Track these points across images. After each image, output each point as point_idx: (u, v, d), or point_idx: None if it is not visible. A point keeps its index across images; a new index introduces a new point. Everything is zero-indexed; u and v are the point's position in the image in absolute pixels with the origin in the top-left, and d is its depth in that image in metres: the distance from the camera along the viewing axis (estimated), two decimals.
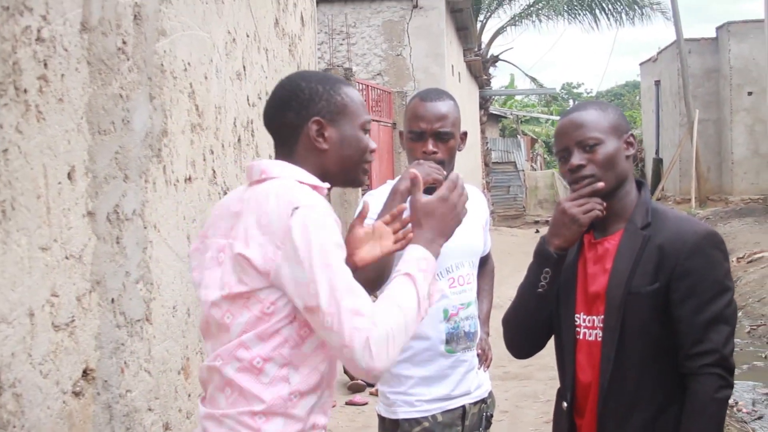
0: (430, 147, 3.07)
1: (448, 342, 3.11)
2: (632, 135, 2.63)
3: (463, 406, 3.16)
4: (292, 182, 2.21)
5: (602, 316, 2.55)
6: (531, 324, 2.74)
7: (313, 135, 2.29)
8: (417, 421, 3.09)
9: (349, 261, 2.34)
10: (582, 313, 2.62)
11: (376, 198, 3.05)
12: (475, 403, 3.21)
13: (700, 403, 2.41)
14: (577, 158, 2.56)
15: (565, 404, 2.66)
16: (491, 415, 3.32)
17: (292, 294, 2.09)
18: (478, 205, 3.31)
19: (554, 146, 2.69)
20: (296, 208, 2.10)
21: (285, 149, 2.34)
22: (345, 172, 2.35)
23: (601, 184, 2.54)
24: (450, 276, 3.10)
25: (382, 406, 3.19)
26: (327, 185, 2.31)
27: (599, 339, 2.56)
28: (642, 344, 2.48)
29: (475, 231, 3.25)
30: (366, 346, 2.02)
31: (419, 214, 2.33)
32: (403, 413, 3.10)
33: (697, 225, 2.55)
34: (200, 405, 2.28)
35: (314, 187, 2.26)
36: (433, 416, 3.08)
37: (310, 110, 2.29)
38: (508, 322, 2.81)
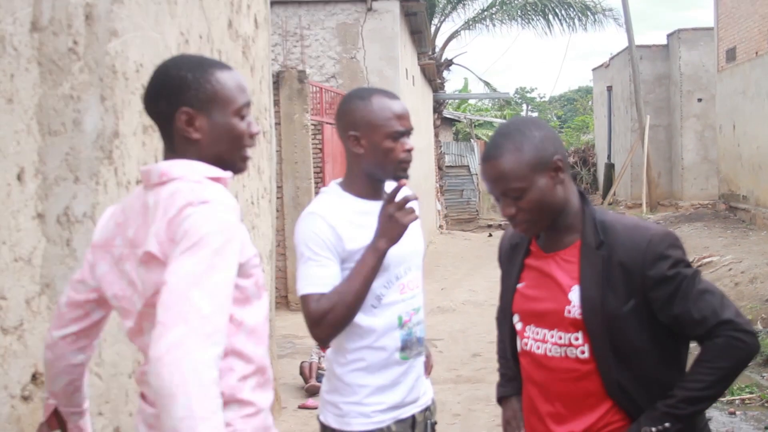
0: (410, 145, 3.06)
1: (402, 349, 3.06)
2: (559, 158, 2.52)
3: (413, 416, 3.10)
4: (198, 179, 2.20)
5: (557, 332, 2.56)
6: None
7: (183, 125, 2.25)
8: None
9: None
10: (532, 325, 2.63)
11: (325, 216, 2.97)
12: (422, 411, 3.16)
13: (713, 349, 2.44)
14: (506, 208, 2.53)
15: None
16: (435, 423, 3.26)
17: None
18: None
19: None
20: (197, 203, 2.08)
21: (165, 139, 2.32)
22: (221, 161, 2.30)
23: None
24: (400, 282, 3.04)
25: (331, 416, 3.06)
26: (228, 174, 2.29)
27: (549, 354, 2.58)
28: (636, 360, 2.49)
29: (417, 234, 3.20)
30: (176, 343, 1.90)
31: None
32: (357, 425, 2.99)
33: (647, 230, 2.52)
34: (143, 403, 2.27)
35: (217, 179, 2.25)
36: (388, 427, 3.02)
37: (180, 99, 2.25)
38: None
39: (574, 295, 2.52)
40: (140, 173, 2.30)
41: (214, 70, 2.30)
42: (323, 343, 2.94)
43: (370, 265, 2.87)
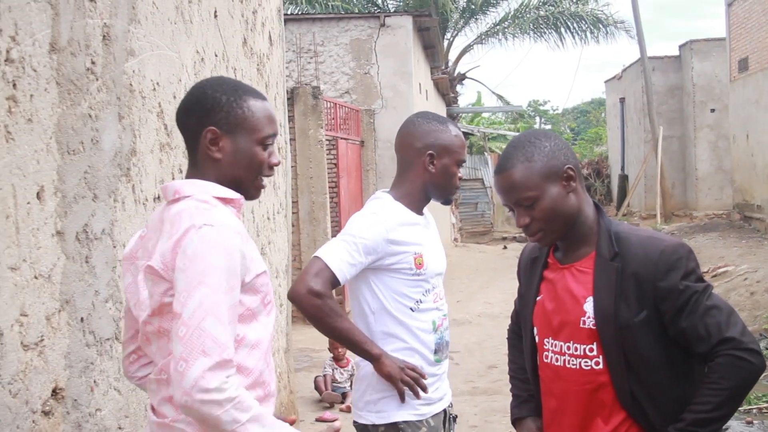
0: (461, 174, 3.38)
1: (436, 352, 3.29)
2: (570, 167, 2.57)
3: (444, 410, 3.35)
4: (205, 198, 2.27)
5: (573, 344, 2.58)
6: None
7: (207, 143, 2.34)
8: (416, 425, 3.21)
9: None
10: (550, 338, 2.65)
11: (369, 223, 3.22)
12: (449, 407, 3.41)
13: (716, 369, 2.45)
14: (520, 218, 2.59)
15: None
16: (456, 416, 3.51)
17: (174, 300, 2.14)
18: (435, 224, 3.54)
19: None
20: (200, 226, 2.16)
21: (191, 153, 2.40)
22: (237, 184, 2.38)
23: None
24: (434, 292, 3.29)
25: (372, 415, 3.24)
26: (238, 195, 2.37)
27: (568, 366, 2.60)
28: (648, 372, 2.51)
29: (442, 251, 3.46)
30: (203, 375, 2.04)
31: None
32: (401, 416, 3.19)
33: (661, 242, 2.54)
34: (150, 412, 2.35)
35: (227, 200, 2.32)
36: (427, 420, 3.23)
37: (209, 119, 2.33)
38: None
39: (589, 306, 2.54)
40: (160, 189, 2.39)
41: (248, 97, 2.38)
42: (293, 301, 3.14)
43: (360, 346, 3.15)
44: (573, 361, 2.58)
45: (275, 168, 2.46)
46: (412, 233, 3.24)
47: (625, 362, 2.49)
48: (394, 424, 3.19)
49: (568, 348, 2.59)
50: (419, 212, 3.35)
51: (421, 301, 3.23)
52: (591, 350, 2.54)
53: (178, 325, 2.09)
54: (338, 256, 3.09)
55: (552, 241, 2.64)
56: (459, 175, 3.33)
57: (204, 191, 2.30)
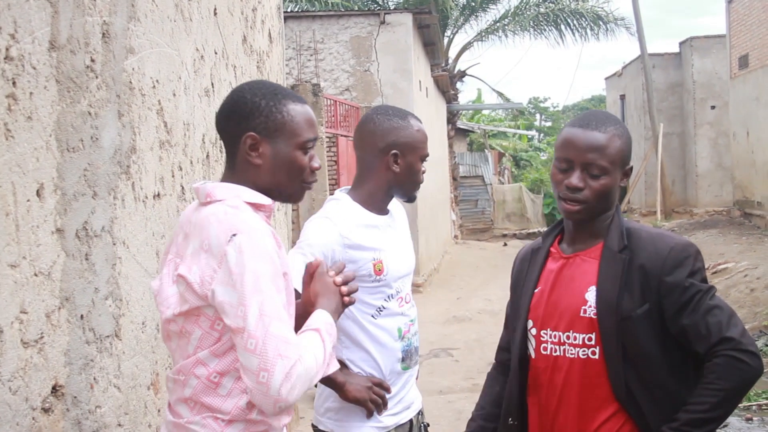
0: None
1: (403, 360, 3.14)
2: (631, 166, 2.64)
3: (410, 420, 3.20)
4: (236, 204, 2.26)
5: (572, 333, 2.58)
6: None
7: (246, 149, 2.33)
8: None
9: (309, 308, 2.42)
10: (549, 329, 2.65)
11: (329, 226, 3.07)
12: (416, 415, 3.25)
13: (714, 370, 2.45)
14: (576, 179, 2.56)
15: (510, 420, 2.71)
16: (428, 425, 3.35)
17: (224, 315, 2.15)
18: (405, 220, 3.41)
19: (558, 147, 2.64)
20: (234, 234, 2.16)
21: (229, 157, 2.40)
22: (278, 189, 2.38)
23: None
24: (399, 296, 3.14)
25: (330, 422, 3.11)
26: (270, 201, 2.36)
27: (569, 355, 2.60)
28: (645, 364, 2.52)
29: (409, 250, 3.32)
30: (287, 375, 2.07)
31: (325, 290, 2.43)
32: (363, 430, 3.05)
33: (671, 239, 2.58)
34: (167, 411, 2.37)
35: (258, 206, 2.32)
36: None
37: (249, 124, 2.33)
38: None
39: (591, 295, 2.56)
40: (192, 190, 2.39)
41: (288, 101, 2.36)
42: None
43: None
44: (572, 350, 2.58)
45: (316, 172, 2.46)
46: (370, 237, 3.08)
47: (622, 352, 2.50)
48: None
49: (567, 337, 2.59)
50: (381, 212, 3.20)
51: (383, 308, 3.08)
52: (590, 339, 2.55)
53: (244, 339, 2.09)
54: (295, 268, 2.85)
55: (583, 218, 2.62)
56: (423, 170, 3.19)
57: (236, 195, 2.30)
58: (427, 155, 3.20)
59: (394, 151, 3.11)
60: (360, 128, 3.22)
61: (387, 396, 3.06)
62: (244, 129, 2.33)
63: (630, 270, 2.53)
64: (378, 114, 3.18)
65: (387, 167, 3.13)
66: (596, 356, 2.54)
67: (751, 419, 7.25)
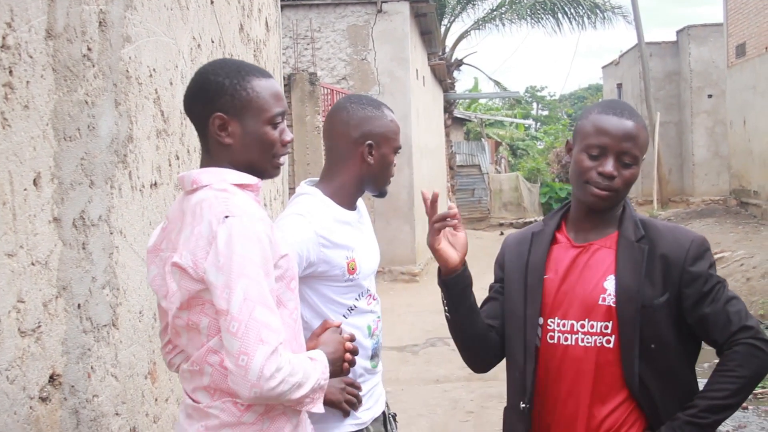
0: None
1: (372, 357, 3.09)
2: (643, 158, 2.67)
3: (383, 412, 3.17)
4: (223, 187, 2.26)
5: (588, 321, 2.58)
6: (467, 342, 2.81)
7: (215, 130, 2.32)
8: None
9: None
10: (557, 317, 2.65)
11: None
12: (386, 406, 3.22)
13: (734, 357, 2.48)
14: (611, 167, 2.56)
15: (523, 405, 2.69)
16: (395, 414, 3.32)
17: (212, 295, 2.15)
18: (368, 215, 3.29)
19: (589, 133, 2.60)
20: (227, 216, 2.16)
21: (202, 140, 2.40)
22: (252, 167, 2.37)
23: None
24: (368, 294, 3.07)
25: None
26: (256, 180, 2.36)
27: (584, 344, 2.59)
28: (660, 354, 2.53)
29: (375, 245, 3.23)
30: (267, 361, 2.08)
31: (333, 343, 2.49)
32: (343, 429, 3.00)
33: (689, 232, 2.65)
34: (185, 395, 2.38)
35: (245, 186, 2.32)
36: (367, 428, 3.06)
37: (215, 105, 2.32)
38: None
39: (610, 284, 2.57)
40: (178, 180, 2.38)
41: (252, 77, 2.35)
42: None
43: None
44: (588, 339, 2.58)
45: (289, 147, 2.45)
46: (344, 234, 2.96)
47: (639, 341, 2.51)
48: None
49: (582, 326, 2.58)
50: (351, 207, 3.07)
51: (354, 307, 3.00)
52: (606, 327, 2.56)
53: (227, 322, 2.10)
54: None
55: (608, 206, 2.63)
56: (395, 163, 3.08)
57: (221, 179, 2.29)
58: (400, 147, 3.10)
59: (369, 142, 2.99)
60: (331, 117, 3.08)
61: (360, 394, 3.01)
62: (210, 110, 2.32)
63: (651, 259, 2.55)
64: (352, 102, 3.06)
65: (361, 158, 3.01)
66: (611, 345, 2.55)
67: (746, 408, 7.27)
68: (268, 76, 2.41)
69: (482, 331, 2.77)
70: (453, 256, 2.67)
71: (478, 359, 2.86)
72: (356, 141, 3.00)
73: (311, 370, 2.23)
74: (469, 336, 2.78)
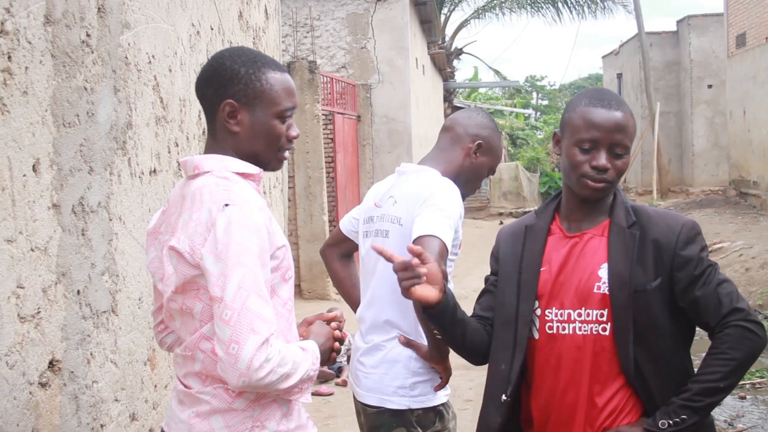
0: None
1: None
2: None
3: None
4: (225, 175, 2.27)
5: (584, 310, 2.58)
6: (463, 347, 2.82)
7: (224, 116, 2.32)
8: (449, 406, 3.23)
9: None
10: (554, 307, 2.65)
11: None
12: None
13: (725, 340, 2.49)
14: (603, 159, 2.56)
15: (504, 397, 2.69)
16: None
17: (207, 282, 2.15)
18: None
19: (579, 128, 2.60)
20: (227, 204, 2.16)
21: (209, 124, 2.39)
22: (255, 157, 2.37)
23: None
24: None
25: (404, 399, 3.13)
26: (258, 170, 2.37)
27: (581, 332, 2.60)
28: (655, 339, 2.54)
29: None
30: (257, 351, 2.09)
31: (322, 333, 2.50)
32: (438, 400, 3.17)
33: (680, 217, 2.65)
34: (176, 381, 2.39)
35: (247, 175, 2.32)
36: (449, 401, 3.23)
37: (227, 91, 2.31)
38: None
39: (604, 272, 2.58)
40: (180, 164, 2.38)
41: (267, 69, 2.35)
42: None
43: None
44: (584, 327, 2.59)
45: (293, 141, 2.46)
46: None
47: (633, 327, 2.52)
48: (434, 408, 3.14)
49: (579, 315, 2.59)
50: None
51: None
52: (602, 315, 2.56)
53: (221, 309, 2.10)
54: (448, 236, 2.94)
55: (603, 197, 2.64)
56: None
57: (224, 167, 2.29)
58: (495, 169, 3.50)
59: (479, 142, 3.32)
60: (459, 117, 3.47)
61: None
62: (222, 96, 2.32)
63: (642, 244, 2.56)
64: (479, 113, 3.47)
65: (466, 154, 3.30)
66: (606, 332, 2.56)
67: (744, 398, 7.29)
68: (284, 70, 2.41)
69: (477, 336, 2.78)
70: (431, 294, 2.46)
71: (474, 356, 2.87)
72: (471, 138, 3.33)
73: (301, 361, 2.24)
74: (463, 343, 2.79)
